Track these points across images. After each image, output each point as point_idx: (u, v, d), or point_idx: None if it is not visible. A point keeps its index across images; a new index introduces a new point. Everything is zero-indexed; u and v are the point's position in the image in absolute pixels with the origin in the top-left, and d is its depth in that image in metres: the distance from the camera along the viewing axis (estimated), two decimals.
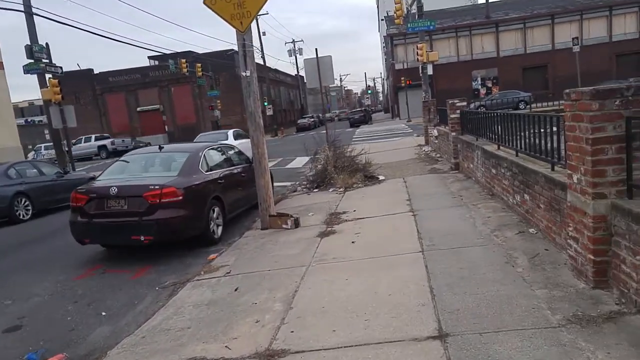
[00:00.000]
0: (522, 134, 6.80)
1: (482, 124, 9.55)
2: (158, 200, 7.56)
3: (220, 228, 8.72)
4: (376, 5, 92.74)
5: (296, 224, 8.37)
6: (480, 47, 49.92)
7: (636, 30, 46.53)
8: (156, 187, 7.62)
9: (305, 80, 16.10)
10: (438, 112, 17.03)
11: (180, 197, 7.70)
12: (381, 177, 12.69)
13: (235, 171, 9.94)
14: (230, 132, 24.07)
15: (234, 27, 8.31)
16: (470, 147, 10.31)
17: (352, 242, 6.79)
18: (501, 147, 8.12)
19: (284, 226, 8.42)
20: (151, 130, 56.45)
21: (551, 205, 5.31)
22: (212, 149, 9.88)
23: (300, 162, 21.32)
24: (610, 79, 41.01)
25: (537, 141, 6.18)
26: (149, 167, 9.05)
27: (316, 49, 14.76)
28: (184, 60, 45.17)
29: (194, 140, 41.64)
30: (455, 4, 59.05)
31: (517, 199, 6.79)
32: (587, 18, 46.85)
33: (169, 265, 7.51)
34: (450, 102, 12.12)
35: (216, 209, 8.60)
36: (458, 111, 11.94)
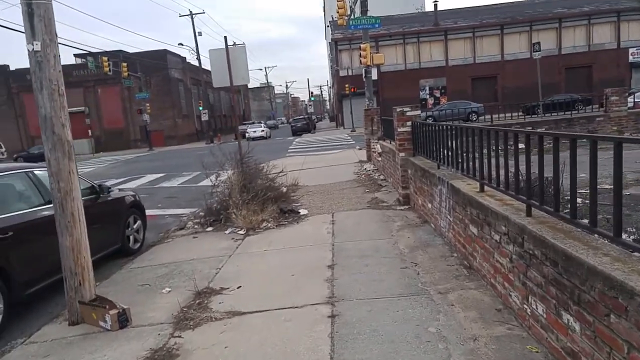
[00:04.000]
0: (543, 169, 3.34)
1: (446, 142, 6.11)
2: None
3: None
4: (323, 13, 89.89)
5: (121, 322, 4.56)
6: (428, 55, 47.50)
7: (585, 44, 45.25)
8: None
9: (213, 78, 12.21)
10: (382, 122, 13.66)
11: None
12: (303, 212, 9.08)
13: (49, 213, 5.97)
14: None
15: None
16: (427, 177, 6.85)
17: None
18: (487, 187, 4.67)
19: (102, 324, 4.61)
20: (75, 134, 50.07)
21: None
22: None
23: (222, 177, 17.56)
24: (559, 92, 39.36)
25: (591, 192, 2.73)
26: None
27: (225, 37, 10.99)
28: (105, 58, 40.26)
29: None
30: (403, 11, 56.71)
31: (537, 310, 3.29)
32: (536, 29, 45.13)
33: None
34: (398, 109, 8.66)
35: None
36: (409, 123, 8.50)
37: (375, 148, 14.34)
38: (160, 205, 12.79)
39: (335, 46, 49.18)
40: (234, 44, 71.22)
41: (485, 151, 4.59)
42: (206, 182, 16.73)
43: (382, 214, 8.14)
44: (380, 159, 13.06)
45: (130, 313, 4.70)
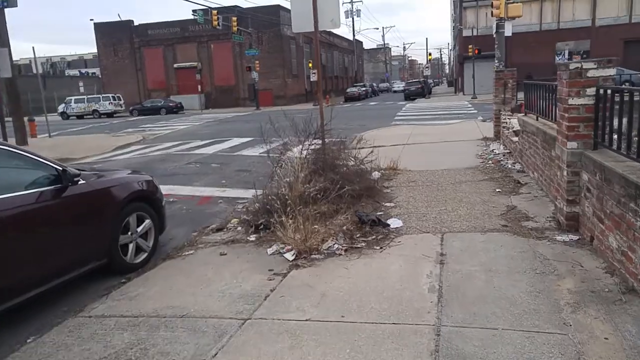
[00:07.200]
0: None
1: None
2: None
3: None
4: None
5: None
6: (570, 13, 40.57)
7: None
8: None
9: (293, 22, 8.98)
10: (524, 88, 9.74)
11: None
12: (394, 224, 5.78)
13: None
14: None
15: None
16: None
17: None
18: None
19: None
20: (187, 90, 52.02)
21: None
22: None
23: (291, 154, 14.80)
24: None
25: None
26: None
27: None
28: (215, 12, 38.71)
29: None
30: None
31: None
32: None
33: None
34: (571, 66, 4.92)
35: None
36: (591, 91, 4.80)
37: (507, 123, 10.53)
38: (224, 182, 10.18)
39: (459, 3, 43.84)
40: (351, 0, 66.36)
41: None
42: (291, 154, 13.94)
43: (531, 251, 4.62)
44: (516, 139, 9.30)
45: None
